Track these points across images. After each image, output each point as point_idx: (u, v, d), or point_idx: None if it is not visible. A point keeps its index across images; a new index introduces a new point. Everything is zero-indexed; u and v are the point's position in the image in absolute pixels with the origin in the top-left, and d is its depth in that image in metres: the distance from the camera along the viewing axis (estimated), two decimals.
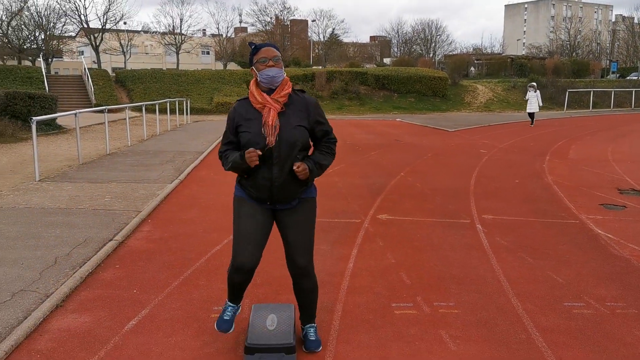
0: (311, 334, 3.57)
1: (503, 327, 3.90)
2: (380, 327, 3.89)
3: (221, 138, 3.46)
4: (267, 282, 4.73)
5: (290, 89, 3.29)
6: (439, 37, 77.38)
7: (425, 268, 5.14)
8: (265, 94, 3.24)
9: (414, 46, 78.43)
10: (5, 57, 46.57)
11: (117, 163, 11.23)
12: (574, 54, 67.81)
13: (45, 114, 16.60)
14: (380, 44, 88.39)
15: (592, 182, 9.81)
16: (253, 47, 3.28)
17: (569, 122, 26.18)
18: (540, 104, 23.20)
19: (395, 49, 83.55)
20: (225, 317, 3.53)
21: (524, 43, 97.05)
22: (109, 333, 3.75)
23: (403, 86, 35.21)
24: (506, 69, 49.89)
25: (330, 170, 10.82)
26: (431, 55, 73.63)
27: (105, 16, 49.82)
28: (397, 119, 27.22)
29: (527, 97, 23.36)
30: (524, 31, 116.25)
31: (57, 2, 60.93)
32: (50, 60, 45.12)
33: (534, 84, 23.50)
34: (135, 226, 6.49)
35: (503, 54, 69.63)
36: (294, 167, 3.20)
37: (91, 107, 26.22)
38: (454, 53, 67.83)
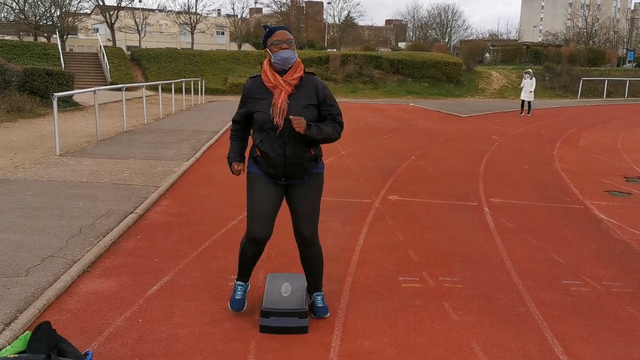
0: (319, 301, 3.80)
1: (503, 301, 4.13)
2: (388, 297, 4.13)
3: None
4: (282, 254, 4.97)
5: (302, 72, 3.49)
6: (454, 22, 76.95)
7: (432, 246, 5.37)
8: (278, 75, 3.43)
9: (430, 31, 77.99)
10: (21, 33, 46.96)
11: (135, 140, 11.50)
12: (590, 42, 67.11)
13: (62, 91, 16.93)
14: (396, 27, 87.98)
15: (599, 170, 9.96)
16: (267, 30, 3.46)
17: (582, 110, 26.15)
18: (532, 89, 21.81)
19: (411, 33, 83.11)
20: (236, 297, 3.77)
21: (540, 30, 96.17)
22: (134, 296, 4.02)
23: (417, 71, 35.20)
24: (521, 56, 49.59)
25: (343, 152, 11.05)
26: (447, 40, 73.25)
27: None
28: (411, 104, 27.30)
29: (522, 85, 22.15)
30: (541, 18, 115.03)
31: None
32: (65, 37, 45.42)
33: (530, 70, 22.51)
34: (155, 200, 6.76)
35: (519, 41, 69.07)
36: (291, 117, 3.31)
37: (107, 84, 26.57)
38: (469, 39, 67.41)
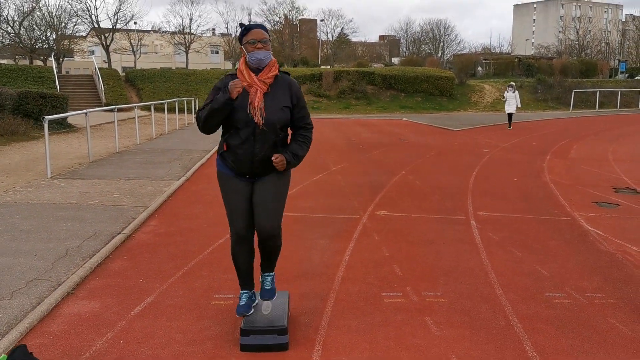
0: (267, 282, 3.82)
1: (485, 315, 4.15)
2: (370, 313, 4.15)
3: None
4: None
5: (276, 71, 3.53)
6: (447, 36, 77.49)
7: (417, 261, 5.40)
8: (253, 74, 3.46)
9: (423, 46, 78.50)
10: (17, 56, 47.21)
11: (126, 161, 11.54)
12: (582, 54, 67.64)
13: (56, 113, 16.97)
14: (390, 43, 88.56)
15: (589, 181, 10.01)
16: (243, 28, 3.48)
17: (574, 122, 26.31)
18: (519, 105, 22.04)
19: (404, 49, 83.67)
20: (241, 303, 3.77)
21: (532, 43, 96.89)
22: (116, 317, 4.04)
23: (410, 86, 35.41)
24: (513, 69, 49.93)
25: (333, 168, 11.10)
26: (439, 54, 73.74)
27: (115, 16, 50.46)
28: (404, 119, 27.44)
29: (505, 98, 22.18)
30: (533, 31, 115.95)
31: (68, 2, 61.46)
32: (61, 59, 45.67)
33: (513, 83, 22.69)
34: (143, 221, 6.78)
35: (511, 54, 69.57)
36: (273, 159, 3.45)
37: (101, 106, 26.64)
38: (462, 53, 67.86)
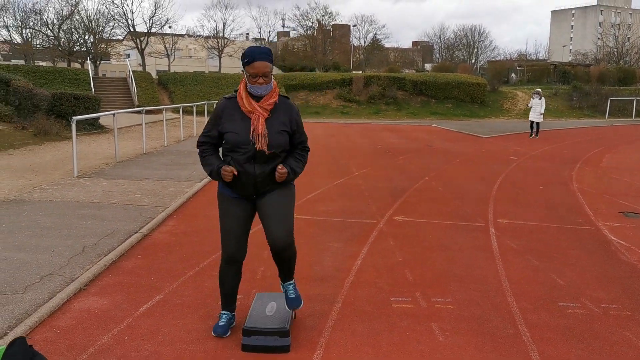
0: (290, 290, 3.81)
1: (494, 323, 4.07)
2: (376, 318, 4.11)
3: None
4: (273, 274, 4.97)
5: (277, 97, 3.51)
6: (481, 42, 76.71)
7: (430, 267, 5.33)
8: (253, 101, 3.44)
9: (456, 52, 77.86)
10: (56, 59, 48.41)
11: (152, 162, 11.71)
12: (621, 61, 66.14)
13: (88, 114, 17.35)
14: (423, 49, 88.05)
15: (617, 190, 9.77)
16: (246, 57, 3.37)
17: (609, 130, 25.74)
18: (542, 111, 20.83)
19: (437, 55, 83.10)
20: (220, 324, 3.80)
21: (570, 50, 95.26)
22: (124, 314, 4.08)
23: (441, 92, 35.14)
24: (549, 76, 49.10)
25: (356, 172, 11.06)
26: (473, 61, 73.02)
27: (151, 20, 51.31)
28: (433, 125, 27.23)
29: (530, 104, 21.20)
30: (571, 37, 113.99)
31: (106, 7, 62.79)
32: (98, 62, 46.67)
33: (539, 90, 21.58)
34: (161, 220, 6.86)
35: (548, 61, 68.48)
36: (278, 168, 3.47)
37: (134, 108, 27.10)
38: (497, 59, 67.08)
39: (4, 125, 16.33)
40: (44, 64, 45.31)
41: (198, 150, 3.65)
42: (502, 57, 72.61)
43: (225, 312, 3.87)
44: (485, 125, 27.04)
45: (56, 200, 7.66)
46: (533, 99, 20.93)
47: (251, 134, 3.42)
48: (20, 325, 3.77)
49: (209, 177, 3.65)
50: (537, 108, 20.62)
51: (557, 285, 4.91)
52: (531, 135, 20.82)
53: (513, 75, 51.59)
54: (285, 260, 3.71)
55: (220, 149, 3.65)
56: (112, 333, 3.77)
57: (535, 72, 51.00)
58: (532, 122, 20.97)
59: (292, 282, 3.84)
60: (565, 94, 39.10)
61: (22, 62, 45.27)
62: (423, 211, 7.76)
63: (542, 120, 20.97)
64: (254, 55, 3.35)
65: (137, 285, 4.69)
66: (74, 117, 9.62)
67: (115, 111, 11.69)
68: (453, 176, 10.96)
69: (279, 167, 3.48)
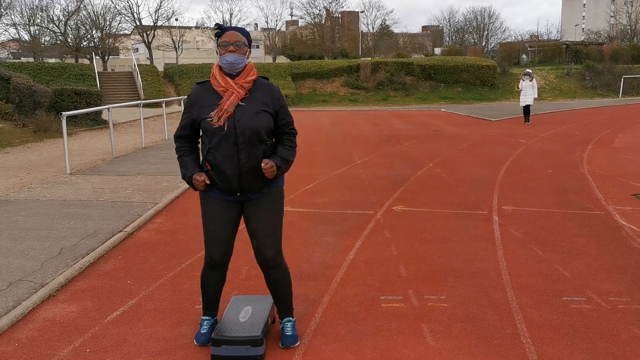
0: (288, 328, 3.48)
1: (490, 322, 3.74)
2: (362, 320, 3.79)
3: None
4: (259, 274, 4.67)
5: (255, 75, 3.24)
6: (491, 24, 75.51)
7: (426, 260, 5.00)
8: (228, 78, 3.17)
9: (466, 35, 76.77)
10: (64, 55, 48.37)
11: (149, 156, 11.44)
12: (635, 39, 64.80)
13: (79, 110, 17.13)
14: (433, 34, 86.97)
15: (630, 172, 9.34)
16: (217, 29, 3.20)
17: (622, 109, 25.10)
18: (536, 96, 18.85)
19: (447, 39, 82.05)
20: (202, 331, 3.50)
21: (582, 29, 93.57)
22: (91, 323, 3.80)
23: (450, 76, 34.56)
24: (561, 56, 48.23)
25: (358, 161, 10.72)
26: (484, 44, 71.96)
27: (156, 13, 51.09)
28: (442, 109, 26.74)
29: (520, 87, 18.98)
30: (583, 16, 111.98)
31: (111, 1, 62.70)
32: (106, 57, 46.54)
33: (529, 71, 19.18)
34: (149, 218, 6.58)
35: (560, 40, 67.27)
36: (262, 165, 3.17)
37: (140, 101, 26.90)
38: (508, 41, 66.01)
39: (4, 123, 16.16)
40: (52, 61, 45.24)
41: (176, 148, 3.37)
42: (514, 38, 71.54)
43: (207, 318, 3.56)
44: (495, 108, 26.49)
45: (42, 199, 7.41)
46: (523, 80, 18.82)
47: (220, 116, 3.12)
48: None
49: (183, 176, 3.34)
50: (527, 90, 18.59)
51: (561, 277, 4.56)
52: (526, 121, 18.80)
53: (524, 56, 50.74)
54: (277, 282, 3.41)
55: (200, 145, 3.35)
56: (73, 345, 3.48)
57: (546, 52, 50.13)
58: (524, 107, 18.85)
59: (291, 319, 3.51)
60: (577, 74, 38.34)
61: (31, 59, 45.25)
62: (424, 200, 7.40)
63: (532, 103, 18.83)
64: (223, 28, 3.19)
65: (110, 289, 4.41)
66: (63, 113, 9.37)
67: (110, 105, 11.41)
68: (458, 162, 10.58)
69: (264, 162, 3.16)
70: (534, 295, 4.19)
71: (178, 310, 4.00)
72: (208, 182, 3.22)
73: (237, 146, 3.14)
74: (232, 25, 3.32)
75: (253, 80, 3.21)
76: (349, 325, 3.72)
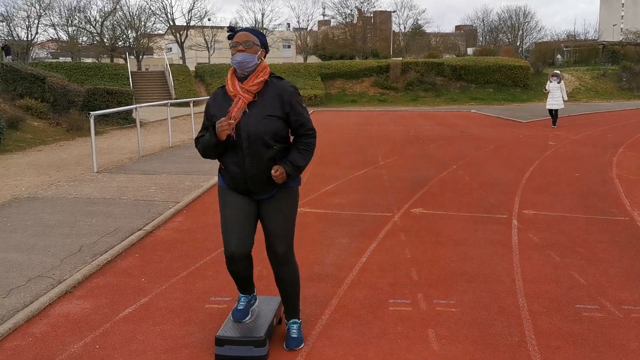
0: (293, 330, 3.50)
1: (498, 329, 3.70)
2: (368, 323, 3.80)
3: None
4: (269, 275, 4.70)
5: (265, 76, 3.22)
6: (526, 24, 74.29)
7: (439, 264, 4.97)
8: (237, 83, 3.21)
9: (500, 35, 75.68)
10: (100, 55, 49.35)
11: (175, 155, 11.61)
12: None
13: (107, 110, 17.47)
14: (466, 33, 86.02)
15: None
16: (229, 31, 3.25)
17: None
18: (565, 98, 17.57)
19: (481, 39, 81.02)
20: (239, 307, 3.54)
21: (621, 29, 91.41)
22: (103, 319, 3.89)
23: (481, 76, 34.13)
24: (597, 56, 47.16)
25: (381, 162, 10.70)
26: (518, 43, 70.86)
27: (189, 14, 51.72)
28: (472, 110, 26.45)
29: (547, 89, 17.68)
30: (622, 15, 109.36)
31: (146, 2, 63.76)
32: (141, 57, 47.33)
33: (558, 72, 18.01)
34: (169, 216, 6.68)
35: (598, 40, 65.83)
36: (272, 172, 3.19)
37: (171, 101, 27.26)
38: (543, 40, 64.88)
39: (39, 121, 16.56)
40: (89, 60, 46.21)
41: (197, 148, 3.39)
42: (549, 38, 70.23)
43: (243, 295, 3.59)
44: (527, 110, 26.08)
45: (68, 197, 7.59)
46: (550, 82, 17.62)
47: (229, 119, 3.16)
48: None
49: (205, 154, 3.31)
50: (555, 93, 17.42)
51: (576, 284, 4.48)
52: (553, 124, 17.62)
53: (559, 56, 49.80)
54: (286, 280, 3.44)
55: None
56: (84, 341, 3.57)
57: (582, 52, 49.06)
58: (550, 110, 17.72)
59: (297, 321, 3.54)
60: (614, 75, 37.45)
61: (69, 59, 46.29)
62: (444, 203, 7.35)
63: (562, 107, 17.66)
64: (236, 29, 3.25)
65: (125, 287, 4.50)
66: (91, 112, 9.56)
67: (137, 105, 11.61)
68: (483, 164, 10.47)
69: (273, 169, 3.19)
70: (546, 302, 4.13)
71: (188, 309, 4.06)
72: (232, 122, 3.13)
73: (242, 151, 3.18)
74: (247, 27, 3.35)
75: (263, 81, 3.22)
76: (354, 328, 3.73)
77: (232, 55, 3.20)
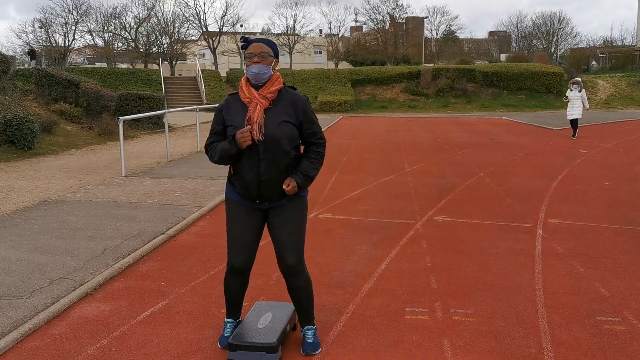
0: (309, 336, 3.52)
1: (515, 340, 3.64)
2: (383, 331, 3.77)
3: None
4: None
5: (280, 85, 3.31)
6: (561, 30, 73.11)
7: (459, 273, 4.91)
8: (253, 90, 3.26)
9: (534, 41, 74.62)
10: (135, 60, 50.28)
11: (203, 160, 11.73)
12: None
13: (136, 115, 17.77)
14: (499, 39, 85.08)
15: None
16: (243, 41, 3.30)
17: None
18: (587, 107, 16.60)
19: (514, 45, 79.99)
20: (225, 334, 3.59)
21: None
22: (120, 322, 3.95)
23: (513, 83, 33.68)
24: (633, 63, 46.15)
25: (408, 169, 10.64)
26: (552, 49, 69.77)
27: (222, 20, 52.32)
28: (503, 117, 26.11)
29: (568, 97, 16.59)
30: None
31: (180, 8, 64.63)
32: (174, 63, 48.05)
33: (579, 79, 16.97)
34: (192, 221, 6.75)
35: (635, 47, 64.36)
36: (284, 186, 3.25)
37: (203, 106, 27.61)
38: (579, 47, 63.72)
39: (72, 125, 16.95)
40: (124, 66, 47.09)
41: (207, 154, 3.43)
42: (585, 44, 68.91)
43: (230, 321, 3.65)
44: (558, 117, 25.61)
45: (95, 200, 7.74)
46: (571, 90, 16.55)
47: (245, 122, 3.21)
48: (13, 332, 3.70)
49: (220, 160, 3.29)
50: (575, 102, 16.36)
51: (599, 295, 4.38)
52: (573, 135, 16.64)
53: (594, 63, 48.88)
54: (298, 290, 3.46)
55: None
56: (101, 343, 3.63)
57: (618, 59, 48.12)
58: (570, 120, 16.71)
59: (312, 327, 3.56)
60: None
61: (104, 65, 47.25)
62: (468, 210, 7.27)
63: (580, 116, 16.51)
64: (249, 40, 3.30)
65: (144, 290, 4.56)
66: (120, 117, 9.74)
67: (166, 110, 11.78)
68: (511, 172, 10.32)
69: (285, 182, 3.25)
70: (566, 313, 4.05)
71: (204, 313, 4.10)
72: (254, 132, 3.16)
73: (258, 155, 3.22)
74: (260, 38, 3.40)
75: (278, 90, 3.29)
76: (369, 336, 3.71)
77: (246, 66, 3.25)
